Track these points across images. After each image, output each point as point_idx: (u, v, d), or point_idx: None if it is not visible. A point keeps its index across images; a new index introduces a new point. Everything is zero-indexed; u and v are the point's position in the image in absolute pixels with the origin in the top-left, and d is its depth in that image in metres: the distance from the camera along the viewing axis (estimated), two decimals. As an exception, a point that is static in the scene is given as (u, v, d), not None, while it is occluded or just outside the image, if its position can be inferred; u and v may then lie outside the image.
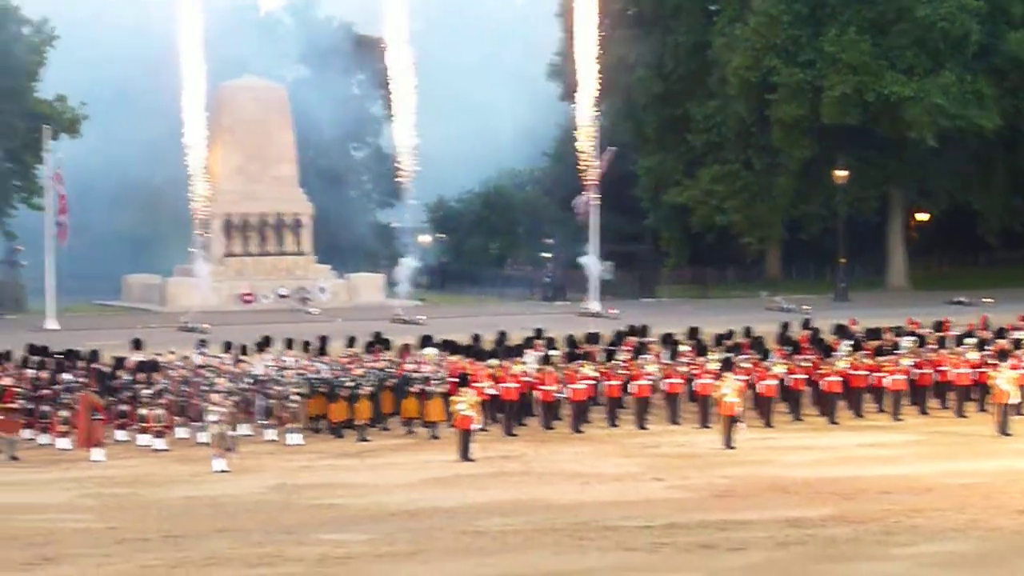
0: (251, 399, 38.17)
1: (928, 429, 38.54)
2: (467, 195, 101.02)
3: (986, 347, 42.47)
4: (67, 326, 62.99)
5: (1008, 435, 36.11)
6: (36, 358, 39.79)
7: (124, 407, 37.12)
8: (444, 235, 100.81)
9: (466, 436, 33.47)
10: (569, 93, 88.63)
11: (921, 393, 41.42)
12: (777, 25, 76.88)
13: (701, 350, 42.30)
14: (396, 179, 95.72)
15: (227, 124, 77.78)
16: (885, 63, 75.75)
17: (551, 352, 41.65)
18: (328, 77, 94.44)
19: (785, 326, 48.61)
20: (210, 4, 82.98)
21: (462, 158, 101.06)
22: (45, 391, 36.93)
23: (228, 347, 42.38)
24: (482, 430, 35.02)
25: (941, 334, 45.86)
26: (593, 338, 45.60)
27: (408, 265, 78.99)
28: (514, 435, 37.09)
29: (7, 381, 36.80)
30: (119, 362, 39.80)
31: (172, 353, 41.20)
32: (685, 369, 40.66)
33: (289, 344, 42.44)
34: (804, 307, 62.56)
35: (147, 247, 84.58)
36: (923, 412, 40.61)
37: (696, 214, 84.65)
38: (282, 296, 75.25)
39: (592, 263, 72.65)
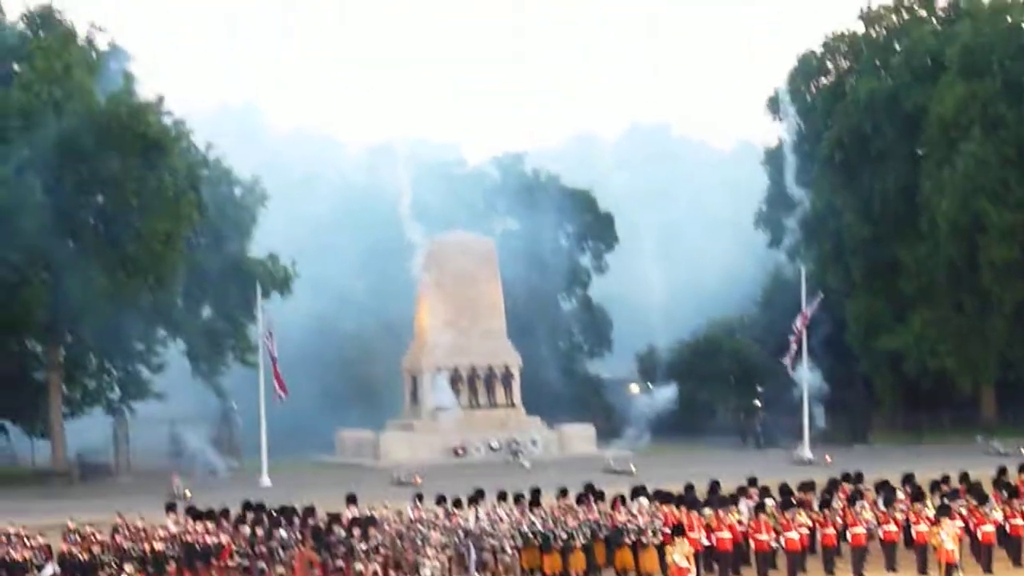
0: (465, 552, 38.36)
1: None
2: (677, 344, 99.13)
3: None
4: (281, 482, 64.59)
5: None
6: (252, 515, 40.75)
7: (340, 562, 37.68)
8: (653, 385, 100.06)
9: (681, 586, 35.84)
10: (776, 240, 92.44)
11: None
12: (986, 167, 77.47)
13: (917, 496, 42.01)
14: (605, 330, 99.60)
15: (437, 278, 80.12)
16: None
17: (765, 500, 41.59)
18: (535, 229, 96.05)
19: (1003, 470, 47.46)
20: (418, 159, 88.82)
21: (671, 306, 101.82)
22: (261, 548, 37.95)
23: (441, 500, 42.91)
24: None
25: None
26: (807, 486, 45.62)
27: (644, 409, 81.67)
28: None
29: (224, 539, 38.22)
30: (334, 518, 40.43)
31: (386, 507, 42.04)
32: (901, 516, 40.46)
33: (502, 497, 42.82)
34: (1022, 450, 62.11)
35: (359, 400, 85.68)
36: None
37: (909, 359, 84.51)
38: (494, 449, 76.29)
39: (806, 376, 72.24)
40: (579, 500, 42.46)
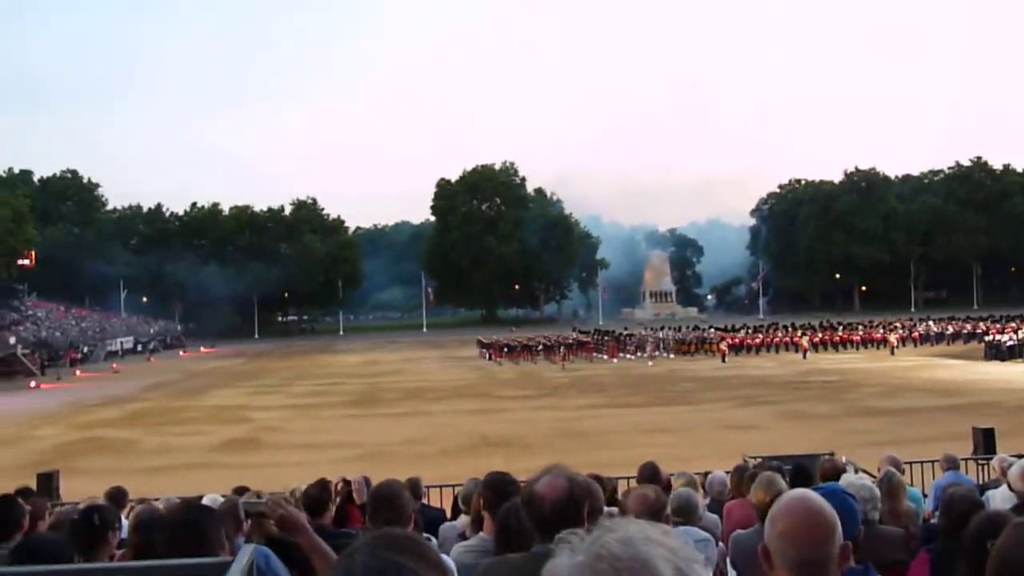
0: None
1: (853, 354, 44.72)
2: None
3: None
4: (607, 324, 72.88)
5: (893, 355, 42.70)
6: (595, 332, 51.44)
7: (621, 345, 49.26)
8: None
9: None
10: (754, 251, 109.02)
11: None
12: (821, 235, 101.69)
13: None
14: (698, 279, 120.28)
15: (651, 264, 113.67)
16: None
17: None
18: (679, 250, 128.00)
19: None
20: (644, 230, 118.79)
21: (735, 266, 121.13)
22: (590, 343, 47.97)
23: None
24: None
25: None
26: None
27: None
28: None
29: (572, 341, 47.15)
30: (609, 333, 51.94)
31: (639, 329, 53.77)
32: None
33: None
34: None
35: (629, 299, 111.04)
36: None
37: (799, 287, 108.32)
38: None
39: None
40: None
